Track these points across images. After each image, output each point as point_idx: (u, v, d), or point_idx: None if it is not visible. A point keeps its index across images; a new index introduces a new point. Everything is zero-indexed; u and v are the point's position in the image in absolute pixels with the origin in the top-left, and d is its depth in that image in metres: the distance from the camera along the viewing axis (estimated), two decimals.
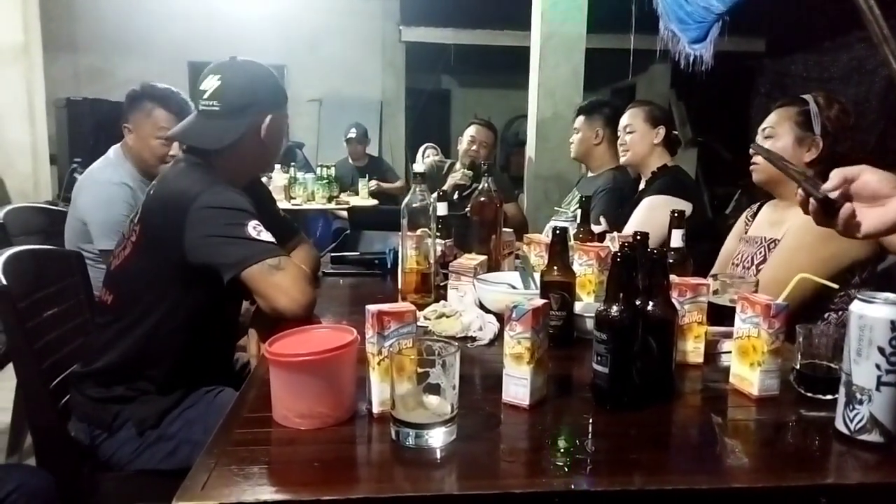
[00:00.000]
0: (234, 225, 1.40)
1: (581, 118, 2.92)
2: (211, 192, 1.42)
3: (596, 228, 2.18)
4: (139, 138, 2.28)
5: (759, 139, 1.80)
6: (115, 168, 2.29)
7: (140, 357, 1.47)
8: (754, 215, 1.94)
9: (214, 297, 1.47)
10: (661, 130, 2.45)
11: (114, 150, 2.37)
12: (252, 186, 1.66)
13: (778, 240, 1.72)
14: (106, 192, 2.20)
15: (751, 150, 1.66)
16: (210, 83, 1.52)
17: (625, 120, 2.52)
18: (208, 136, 1.52)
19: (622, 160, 2.57)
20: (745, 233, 1.93)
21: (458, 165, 3.84)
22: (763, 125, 1.80)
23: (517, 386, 1.02)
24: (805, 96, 1.76)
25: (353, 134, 5.42)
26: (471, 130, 3.73)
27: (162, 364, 1.48)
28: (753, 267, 1.76)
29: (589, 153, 2.92)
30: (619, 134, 2.56)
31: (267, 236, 1.42)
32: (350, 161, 5.50)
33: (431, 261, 1.63)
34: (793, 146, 1.72)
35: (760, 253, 1.76)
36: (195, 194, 1.41)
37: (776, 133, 1.75)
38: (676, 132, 2.54)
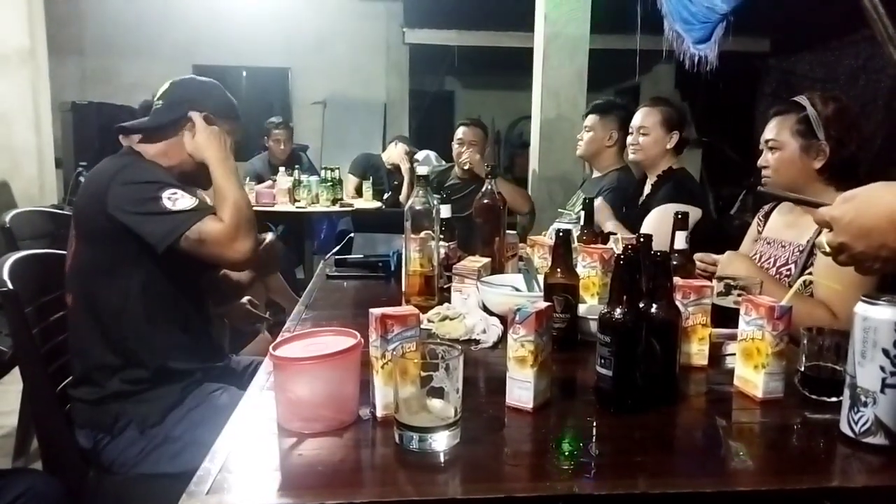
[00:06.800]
0: (149, 199, 1.44)
1: (595, 117, 2.86)
2: (125, 170, 1.49)
3: (609, 225, 2.17)
4: None
5: (763, 152, 1.77)
6: None
7: (117, 344, 1.49)
8: (766, 216, 1.92)
9: (166, 264, 1.49)
10: (676, 136, 2.43)
11: None
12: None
13: (802, 245, 1.68)
14: None
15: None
16: (162, 88, 1.66)
17: (638, 120, 2.47)
18: (140, 123, 1.65)
19: (631, 157, 2.54)
20: (759, 233, 1.91)
21: (456, 169, 3.86)
22: (765, 136, 1.77)
23: (521, 389, 1.02)
24: (800, 100, 1.72)
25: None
26: (458, 133, 3.72)
27: (142, 343, 1.49)
28: (774, 268, 1.74)
29: (598, 154, 2.89)
30: (630, 132, 2.52)
31: (183, 203, 1.46)
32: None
33: (435, 263, 1.63)
34: (800, 156, 1.69)
35: (784, 256, 1.73)
36: (112, 174, 1.47)
37: (780, 144, 1.72)
38: (685, 134, 2.52)
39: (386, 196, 4.72)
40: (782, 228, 1.82)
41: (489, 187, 1.85)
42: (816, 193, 1.61)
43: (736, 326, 1.15)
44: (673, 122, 2.44)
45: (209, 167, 1.59)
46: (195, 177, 1.64)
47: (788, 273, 1.68)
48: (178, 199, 1.44)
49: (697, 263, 1.70)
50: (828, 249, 0.96)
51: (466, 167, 3.62)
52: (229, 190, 1.55)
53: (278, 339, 1.04)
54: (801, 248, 1.68)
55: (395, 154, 4.89)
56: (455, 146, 3.71)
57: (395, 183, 4.86)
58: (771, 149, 1.75)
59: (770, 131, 1.75)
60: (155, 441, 1.47)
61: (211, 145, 1.59)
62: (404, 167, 4.68)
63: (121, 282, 1.49)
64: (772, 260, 1.77)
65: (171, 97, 1.63)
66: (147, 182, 1.46)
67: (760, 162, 1.78)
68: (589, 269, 1.49)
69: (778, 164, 1.72)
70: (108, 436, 1.47)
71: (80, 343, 1.52)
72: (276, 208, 4.20)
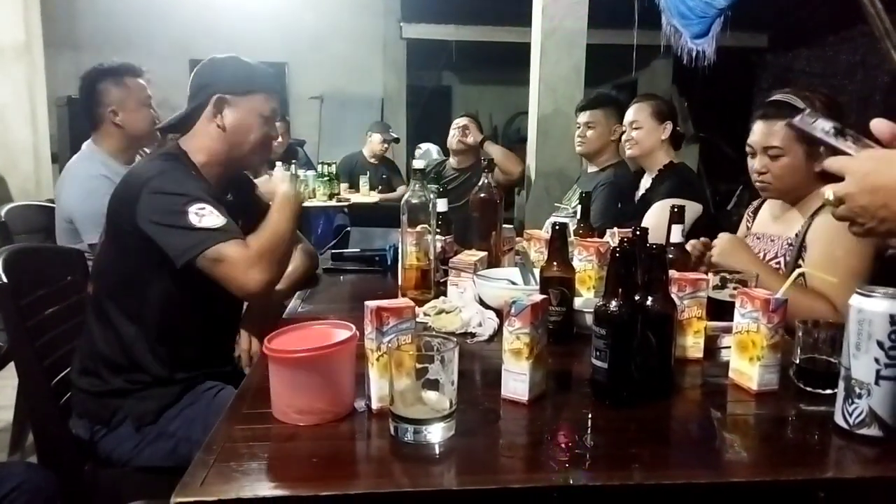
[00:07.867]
0: (176, 213, 1.38)
1: (598, 112, 2.82)
2: (159, 178, 1.43)
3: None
4: (129, 112, 2.26)
5: (757, 157, 1.69)
6: (90, 162, 2.26)
7: (126, 346, 1.47)
8: (755, 211, 1.92)
9: (186, 280, 1.44)
10: (668, 126, 2.43)
11: (87, 146, 2.33)
12: (240, 185, 1.69)
13: (791, 238, 1.66)
14: (86, 185, 2.15)
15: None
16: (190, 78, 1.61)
17: (630, 115, 2.49)
18: (172, 120, 1.62)
19: (628, 153, 2.55)
20: (749, 230, 1.91)
21: (451, 160, 3.90)
22: (762, 142, 1.67)
23: (516, 381, 1.02)
24: (792, 101, 1.62)
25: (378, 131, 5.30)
26: (454, 123, 3.83)
27: (151, 352, 1.47)
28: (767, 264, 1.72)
29: (603, 149, 2.85)
30: (623, 128, 2.54)
31: (210, 221, 1.39)
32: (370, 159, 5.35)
33: (431, 257, 1.63)
34: (805, 162, 1.63)
35: (773, 251, 1.71)
36: (146, 179, 1.43)
37: (783, 151, 1.64)
38: (680, 127, 2.53)
39: (378, 189, 4.80)
40: (770, 223, 1.81)
41: (486, 181, 1.85)
42: (814, 193, 1.62)
43: (731, 319, 1.16)
44: (664, 113, 2.45)
45: (274, 202, 1.55)
46: (238, 165, 1.60)
47: (777, 266, 1.67)
48: (204, 216, 1.39)
49: (690, 250, 1.67)
50: (831, 198, 0.96)
51: (461, 137, 3.69)
52: (278, 224, 1.49)
53: (274, 332, 1.03)
54: (790, 242, 1.67)
55: (376, 146, 5.22)
56: (451, 132, 3.78)
57: (384, 176, 4.92)
58: (772, 157, 1.66)
59: (770, 137, 1.65)
60: (149, 438, 1.46)
61: (282, 185, 1.57)
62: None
63: (140, 289, 1.46)
64: (761, 255, 1.75)
65: (193, 87, 1.58)
66: (176, 194, 1.41)
67: (757, 168, 1.69)
68: (585, 262, 1.49)
69: (782, 172, 1.65)
70: (105, 428, 1.46)
71: (92, 335, 1.50)
72: None
